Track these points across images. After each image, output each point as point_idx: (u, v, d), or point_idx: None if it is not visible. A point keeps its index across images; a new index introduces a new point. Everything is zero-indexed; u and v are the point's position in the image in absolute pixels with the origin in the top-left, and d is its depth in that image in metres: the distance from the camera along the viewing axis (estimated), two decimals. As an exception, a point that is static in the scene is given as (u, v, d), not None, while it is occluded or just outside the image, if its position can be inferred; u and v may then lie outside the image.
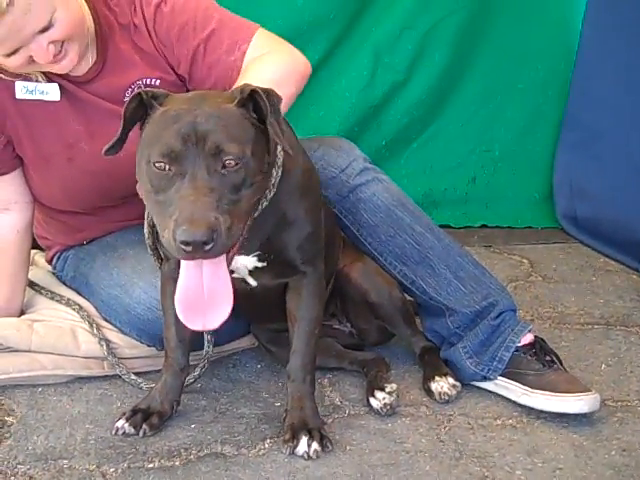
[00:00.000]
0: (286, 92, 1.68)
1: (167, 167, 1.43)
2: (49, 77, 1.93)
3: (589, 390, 1.83)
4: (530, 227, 3.37)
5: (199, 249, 1.38)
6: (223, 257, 1.48)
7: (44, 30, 1.76)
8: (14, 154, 2.02)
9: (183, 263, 1.50)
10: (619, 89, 3.04)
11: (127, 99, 1.54)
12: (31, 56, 1.79)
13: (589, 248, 3.12)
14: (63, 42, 1.81)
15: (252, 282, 1.77)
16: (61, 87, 1.94)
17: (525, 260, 3.00)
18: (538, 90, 3.41)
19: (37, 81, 1.93)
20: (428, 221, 2.03)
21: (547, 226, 3.38)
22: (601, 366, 2.12)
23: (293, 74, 1.86)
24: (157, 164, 1.44)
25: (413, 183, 3.21)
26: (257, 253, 1.69)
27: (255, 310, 1.96)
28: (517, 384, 1.89)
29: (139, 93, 1.52)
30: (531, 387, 1.85)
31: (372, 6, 3.17)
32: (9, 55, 1.78)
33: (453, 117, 3.37)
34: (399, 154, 3.32)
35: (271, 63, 1.84)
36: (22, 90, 1.93)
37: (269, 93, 1.50)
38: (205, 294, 1.49)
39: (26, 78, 1.92)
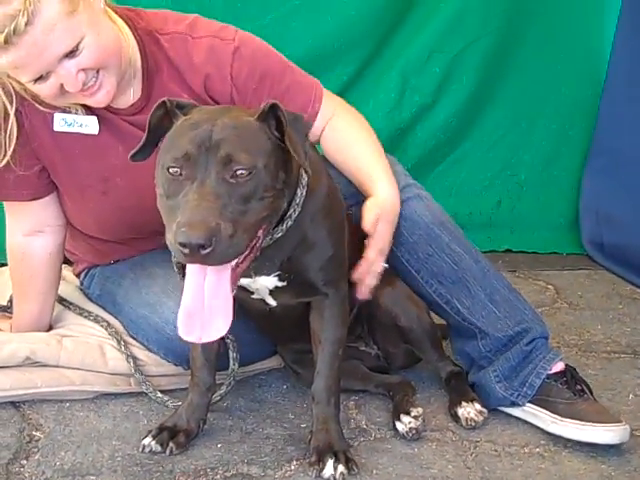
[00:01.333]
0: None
1: (179, 171, 1.44)
2: (89, 109, 1.90)
3: (619, 421, 1.81)
4: (555, 253, 3.36)
5: (196, 252, 1.37)
6: (227, 273, 1.48)
7: (72, 56, 1.72)
8: (49, 180, 2.01)
9: (187, 274, 1.50)
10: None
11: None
12: (62, 85, 1.76)
13: (615, 275, 3.10)
14: (98, 71, 1.77)
15: (272, 302, 1.77)
16: (101, 118, 1.92)
17: (550, 286, 2.98)
18: (565, 115, 3.41)
19: (76, 113, 1.91)
20: (467, 242, 2.02)
21: (572, 252, 3.36)
22: (628, 396, 2.09)
23: (367, 125, 2.04)
24: (170, 169, 1.45)
25: None
26: (277, 273, 1.69)
27: (275, 330, 1.97)
28: (547, 412, 1.87)
29: (164, 101, 1.54)
30: (561, 416, 1.84)
31: (401, 29, 3.19)
32: (37, 80, 1.74)
33: (479, 141, 3.38)
34: (425, 177, 3.29)
35: (358, 130, 2.00)
36: (60, 123, 1.91)
37: (296, 115, 1.52)
38: (205, 307, 1.49)
39: (65, 110, 1.90)
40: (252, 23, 2.98)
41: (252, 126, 1.50)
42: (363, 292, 1.88)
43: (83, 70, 1.74)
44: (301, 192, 1.61)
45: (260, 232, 1.51)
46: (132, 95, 1.93)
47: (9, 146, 1.88)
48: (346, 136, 1.98)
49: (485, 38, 3.25)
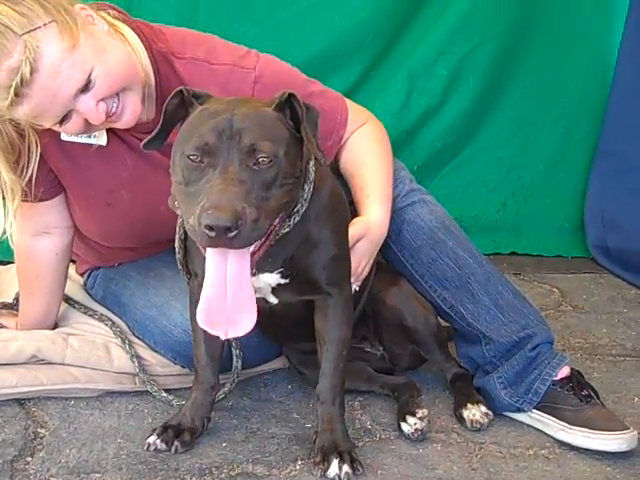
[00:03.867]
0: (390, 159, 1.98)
1: (200, 159, 1.45)
2: None
3: (627, 428, 1.81)
4: (560, 256, 3.35)
5: (222, 235, 1.38)
6: (248, 262, 1.49)
7: (86, 90, 1.67)
8: (57, 182, 1.98)
9: (208, 264, 1.50)
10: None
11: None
12: (86, 119, 1.72)
13: (620, 279, 3.10)
14: (118, 94, 1.72)
15: (273, 300, 1.76)
16: (111, 131, 1.88)
17: (555, 289, 2.98)
18: (571, 119, 3.40)
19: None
20: (471, 246, 2.02)
21: (578, 255, 3.36)
22: (634, 399, 2.09)
23: (387, 143, 2.03)
24: (191, 156, 1.46)
25: None
26: (280, 270, 1.69)
27: (276, 329, 1.96)
28: (554, 419, 1.87)
29: (180, 90, 1.54)
30: (569, 423, 1.83)
31: (409, 30, 3.19)
32: (62, 122, 1.72)
33: (486, 143, 3.37)
34: (430, 179, 3.31)
35: (375, 147, 2.00)
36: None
37: (308, 106, 1.53)
38: (228, 300, 1.49)
39: None
40: (261, 24, 3.01)
41: (270, 115, 1.52)
42: None
43: (102, 100, 1.70)
44: (308, 187, 1.62)
45: (277, 220, 1.53)
46: (145, 114, 1.87)
47: (31, 161, 1.84)
48: (361, 151, 1.98)
49: (492, 41, 3.25)
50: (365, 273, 1.92)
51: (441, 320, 2.05)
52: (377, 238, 1.91)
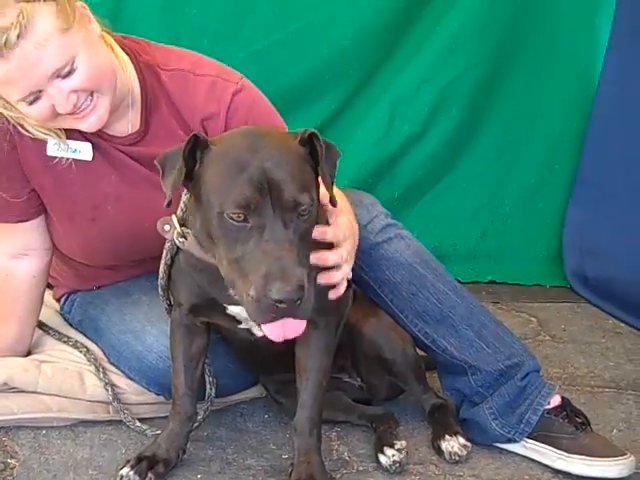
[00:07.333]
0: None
1: (242, 218, 1.41)
2: (85, 135, 1.88)
3: (625, 453, 1.81)
4: (539, 285, 3.36)
5: (292, 307, 1.38)
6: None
7: (64, 75, 1.71)
8: (38, 202, 1.97)
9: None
10: (634, 147, 3.05)
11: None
12: (54, 107, 1.74)
13: (598, 308, 3.10)
14: (92, 94, 1.76)
15: (257, 332, 1.74)
16: (96, 145, 1.89)
17: (533, 318, 2.98)
18: (551, 147, 3.42)
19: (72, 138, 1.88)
20: (450, 279, 2.02)
21: (556, 284, 3.36)
22: (612, 431, 2.08)
23: None
24: (233, 216, 1.42)
25: (422, 236, 3.10)
26: None
27: (257, 361, 1.95)
28: (551, 448, 1.85)
29: (195, 134, 1.49)
30: (567, 452, 1.82)
31: (392, 58, 3.21)
32: (31, 103, 1.73)
33: (466, 171, 3.38)
34: (411, 207, 3.32)
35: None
36: (54, 147, 1.88)
37: (329, 145, 1.52)
38: None
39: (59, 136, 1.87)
40: (245, 50, 3.02)
41: (298, 155, 1.49)
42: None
43: (75, 92, 1.73)
44: None
45: None
46: (130, 125, 1.91)
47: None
48: None
49: (475, 68, 3.27)
50: (350, 261, 1.76)
51: (419, 351, 2.04)
52: (353, 219, 1.81)
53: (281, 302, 1.37)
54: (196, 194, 1.52)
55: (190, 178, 1.51)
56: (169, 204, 1.50)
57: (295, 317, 1.43)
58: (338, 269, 1.66)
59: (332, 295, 1.69)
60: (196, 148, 1.49)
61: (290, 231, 1.42)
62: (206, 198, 1.48)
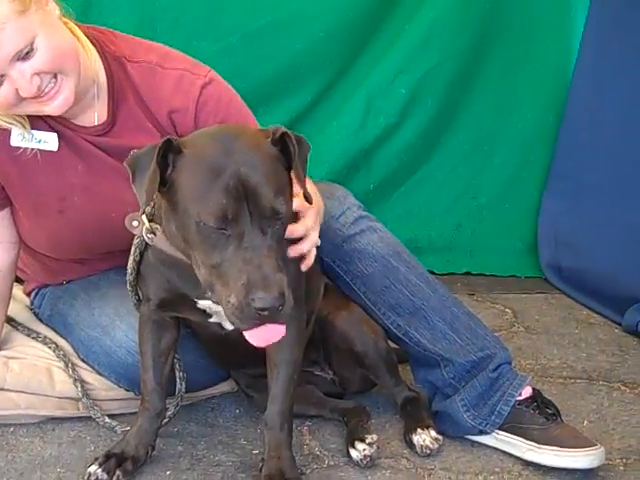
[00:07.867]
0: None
1: (220, 227, 1.40)
2: (51, 125, 1.86)
3: (595, 444, 1.81)
4: (514, 276, 3.37)
5: (275, 313, 1.39)
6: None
7: (26, 58, 1.69)
8: (3, 194, 1.95)
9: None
10: (608, 140, 3.07)
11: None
12: (18, 92, 1.71)
13: (572, 299, 3.11)
14: (56, 77, 1.74)
15: (228, 326, 1.73)
16: (62, 135, 1.87)
17: (508, 310, 2.99)
18: (526, 140, 3.42)
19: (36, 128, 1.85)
20: (423, 271, 2.01)
21: (531, 275, 3.37)
22: (583, 422, 2.09)
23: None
24: (210, 224, 1.41)
25: (398, 228, 3.11)
26: None
27: (228, 355, 1.94)
28: (521, 439, 1.86)
29: (169, 139, 1.46)
30: (537, 442, 1.82)
31: (367, 50, 3.20)
32: None
33: (441, 163, 3.38)
34: (386, 198, 3.31)
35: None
36: (18, 137, 1.85)
37: (300, 140, 1.51)
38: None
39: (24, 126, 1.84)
40: (218, 43, 3.01)
41: (271, 156, 1.47)
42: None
43: (38, 74, 1.70)
44: None
45: None
46: (96, 116, 1.89)
47: None
48: None
49: (451, 60, 3.26)
50: (316, 227, 1.73)
51: (392, 344, 2.03)
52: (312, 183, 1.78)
53: (264, 310, 1.37)
54: (170, 199, 1.49)
55: (163, 183, 1.48)
56: (144, 212, 1.50)
57: (276, 322, 1.43)
58: (306, 239, 1.65)
59: (303, 267, 1.69)
60: (168, 152, 1.46)
61: (267, 237, 1.42)
62: (183, 206, 1.45)
